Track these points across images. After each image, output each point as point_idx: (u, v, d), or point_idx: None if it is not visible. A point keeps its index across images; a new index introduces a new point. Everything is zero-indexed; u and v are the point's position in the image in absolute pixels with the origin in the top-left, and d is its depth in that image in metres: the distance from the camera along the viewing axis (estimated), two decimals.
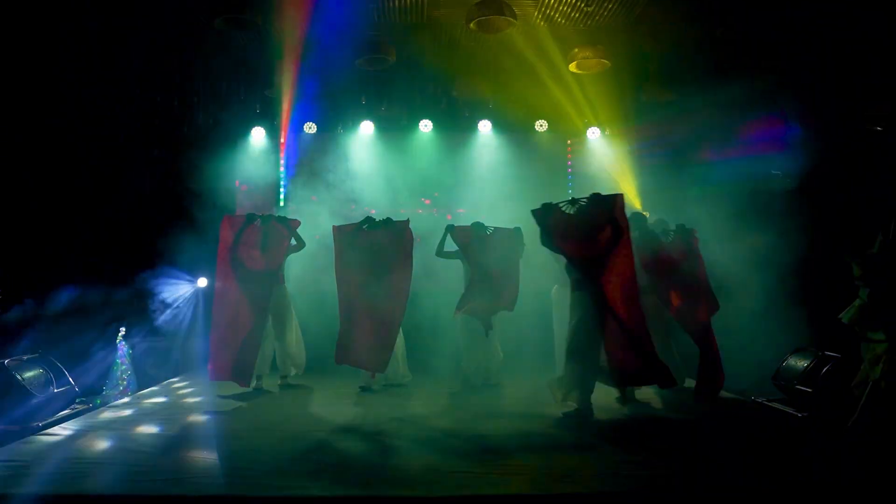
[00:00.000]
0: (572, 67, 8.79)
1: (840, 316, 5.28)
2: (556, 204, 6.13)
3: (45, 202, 7.87)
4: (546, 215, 6.10)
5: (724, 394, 6.58)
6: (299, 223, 7.43)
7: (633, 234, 6.29)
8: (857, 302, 5.17)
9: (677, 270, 6.61)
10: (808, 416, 5.72)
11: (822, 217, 7.36)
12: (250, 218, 7.18)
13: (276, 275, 7.24)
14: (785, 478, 4.03)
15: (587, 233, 5.98)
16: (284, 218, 7.44)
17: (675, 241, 6.81)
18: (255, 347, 6.95)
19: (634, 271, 5.89)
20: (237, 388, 7.06)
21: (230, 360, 6.91)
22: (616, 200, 5.95)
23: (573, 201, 6.09)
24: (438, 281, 8.57)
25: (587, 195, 6.09)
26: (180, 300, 9.18)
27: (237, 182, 9.70)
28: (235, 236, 7.08)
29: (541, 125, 10.09)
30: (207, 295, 9.14)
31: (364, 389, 7.15)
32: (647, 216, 7.34)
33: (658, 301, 6.71)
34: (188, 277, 9.40)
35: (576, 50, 8.61)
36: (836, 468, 4.28)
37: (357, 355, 7.04)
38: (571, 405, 5.87)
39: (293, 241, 7.33)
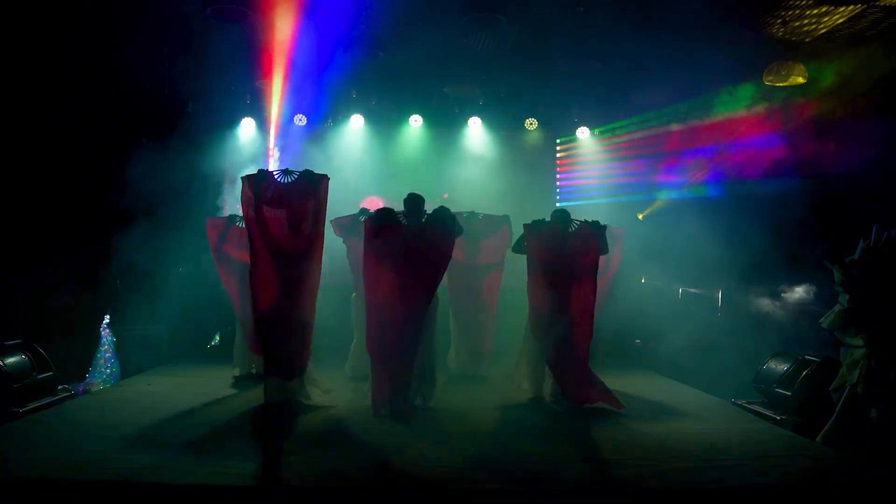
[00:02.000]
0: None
1: (820, 321, 5.36)
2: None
3: (45, 202, 7.88)
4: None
5: (708, 396, 6.65)
6: None
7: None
8: (837, 307, 5.24)
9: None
10: (785, 419, 5.78)
11: (807, 223, 7.44)
12: (231, 219, 7.19)
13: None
14: (764, 480, 4.09)
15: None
16: None
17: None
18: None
19: None
20: (221, 377, 7.11)
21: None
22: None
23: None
24: None
25: None
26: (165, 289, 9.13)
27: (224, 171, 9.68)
28: (219, 237, 7.11)
29: (530, 123, 10.12)
30: (191, 284, 9.10)
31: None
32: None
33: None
34: (173, 266, 9.35)
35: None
36: (814, 471, 4.33)
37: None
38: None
39: None
